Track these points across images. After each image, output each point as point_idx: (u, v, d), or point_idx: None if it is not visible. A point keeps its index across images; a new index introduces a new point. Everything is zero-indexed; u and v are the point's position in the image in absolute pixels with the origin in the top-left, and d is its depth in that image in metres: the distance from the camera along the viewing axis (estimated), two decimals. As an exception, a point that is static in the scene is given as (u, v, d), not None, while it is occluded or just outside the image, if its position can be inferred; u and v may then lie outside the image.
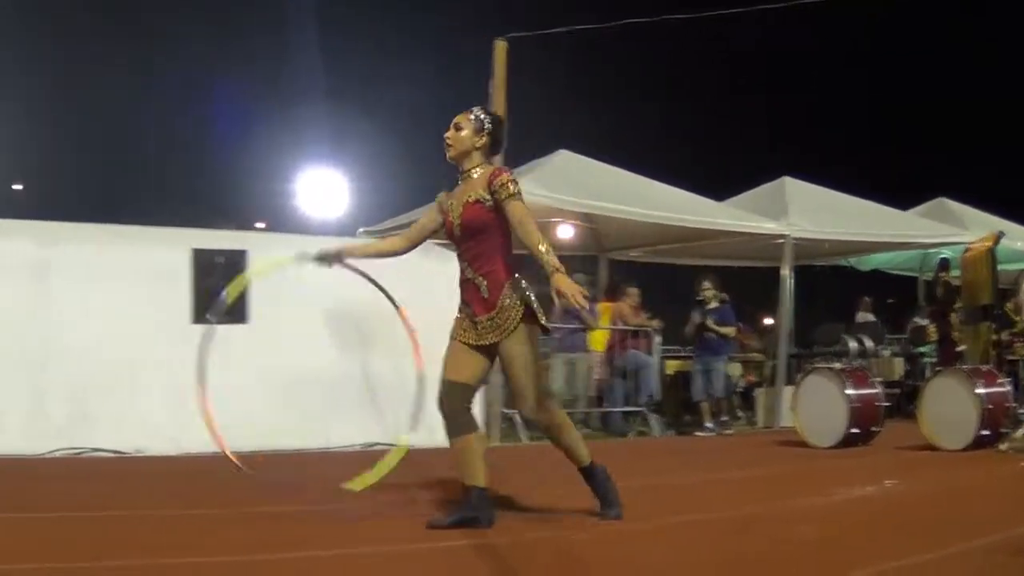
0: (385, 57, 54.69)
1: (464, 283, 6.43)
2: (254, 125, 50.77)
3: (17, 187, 45.45)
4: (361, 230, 15.43)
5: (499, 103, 13.06)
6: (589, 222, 16.33)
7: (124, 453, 10.48)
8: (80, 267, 10.74)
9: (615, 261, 18.65)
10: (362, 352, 11.48)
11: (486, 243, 6.29)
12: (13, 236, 10.90)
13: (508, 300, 6.19)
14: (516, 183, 6.21)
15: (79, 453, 10.40)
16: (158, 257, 11.08)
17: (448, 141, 6.41)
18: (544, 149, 15.79)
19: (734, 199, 17.86)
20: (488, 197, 6.19)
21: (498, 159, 6.92)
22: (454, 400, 6.38)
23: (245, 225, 29.31)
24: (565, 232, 16.20)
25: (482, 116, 6.43)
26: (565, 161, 15.41)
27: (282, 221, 34.95)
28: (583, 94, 49.23)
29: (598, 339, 15.09)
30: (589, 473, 6.45)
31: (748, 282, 20.32)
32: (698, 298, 14.98)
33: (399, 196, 28.00)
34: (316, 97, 50.67)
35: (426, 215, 6.70)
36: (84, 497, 7.77)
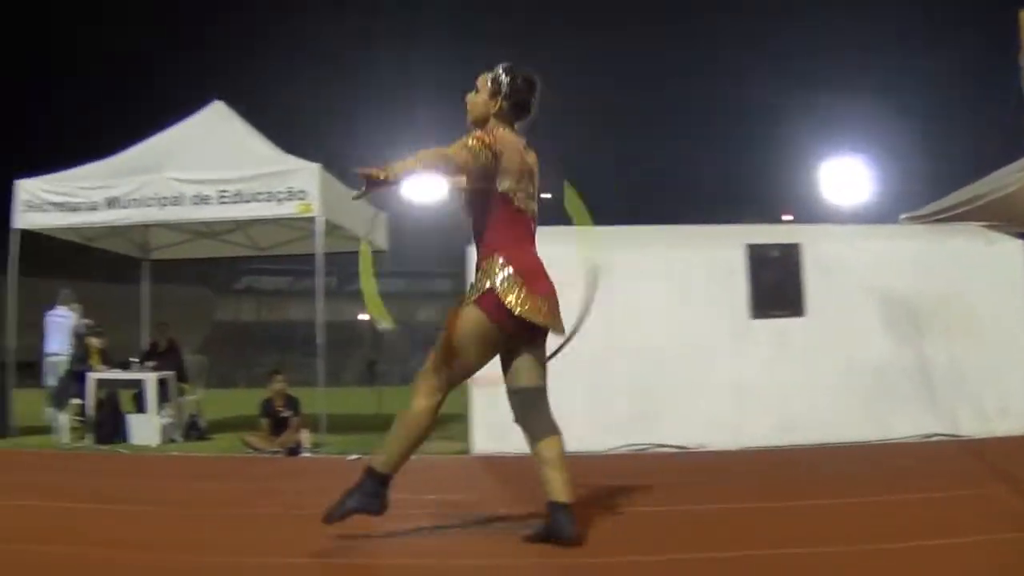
0: (898, 40, 53.24)
1: None
2: (779, 118, 50.95)
3: (545, 196, 47.87)
4: (904, 216, 14.98)
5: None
6: None
7: (686, 448, 10.63)
8: (637, 268, 11.04)
9: None
10: (916, 341, 11.14)
11: (478, 219, 5.72)
12: (574, 241, 11.38)
13: (477, 279, 5.60)
14: (477, 139, 5.47)
15: (642, 449, 10.66)
16: (713, 255, 11.26)
17: (466, 105, 5.85)
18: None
19: None
20: None
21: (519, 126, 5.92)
22: (517, 411, 5.77)
23: (772, 218, 29.31)
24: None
25: (501, 77, 5.71)
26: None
27: (806, 211, 34.70)
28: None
29: None
30: (371, 476, 5.50)
31: None
32: None
33: (925, 181, 27.12)
34: (833, 85, 50.16)
35: None
36: (647, 491, 7.92)
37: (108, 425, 12.98)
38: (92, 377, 13.26)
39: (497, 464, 9.94)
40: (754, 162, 52.14)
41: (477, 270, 5.66)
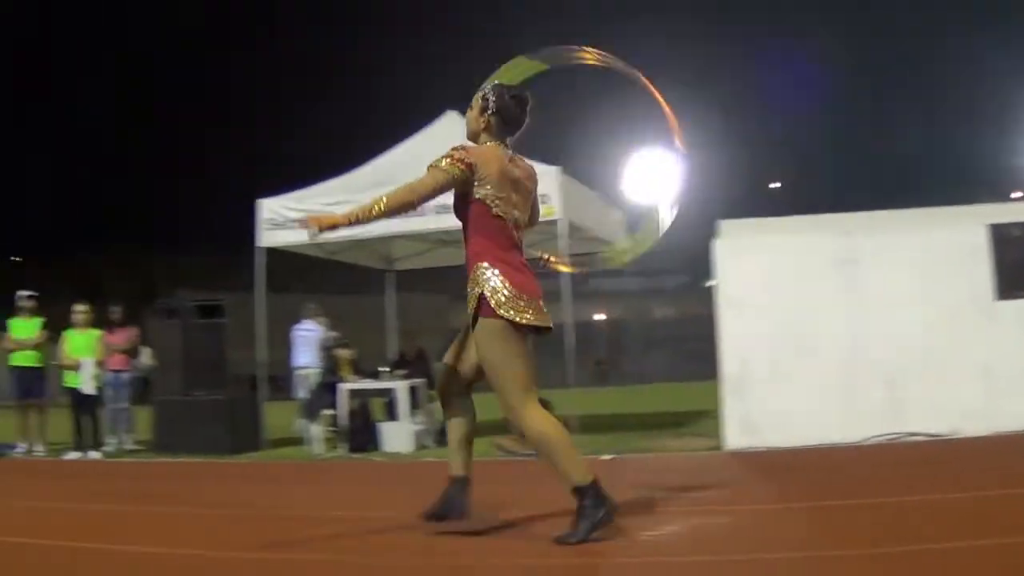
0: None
1: None
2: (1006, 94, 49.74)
3: (774, 185, 47.60)
4: None
5: None
6: None
7: (939, 436, 10.39)
8: (883, 254, 10.91)
9: None
10: None
11: (465, 229, 5.93)
12: (818, 230, 11.27)
13: (469, 289, 5.81)
14: (449, 157, 5.77)
15: (895, 438, 10.47)
16: (954, 237, 10.93)
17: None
18: None
19: None
20: None
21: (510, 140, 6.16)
22: (443, 382, 6.24)
23: (1002, 196, 28.64)
24: None
25: (489, 95, 6.00)
26: None
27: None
28: None
29: None
30: (581, 493, 5.57)
31: None
32: None
33: None
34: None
35: None
36: (893, 482, 7.92)
37: (361, 434, 13.39)
38: (344, 388, 13.69)
39: (749, 459, 9.95)
40: (980, 142, 50.72)
41: (468, 279, 5.86)
